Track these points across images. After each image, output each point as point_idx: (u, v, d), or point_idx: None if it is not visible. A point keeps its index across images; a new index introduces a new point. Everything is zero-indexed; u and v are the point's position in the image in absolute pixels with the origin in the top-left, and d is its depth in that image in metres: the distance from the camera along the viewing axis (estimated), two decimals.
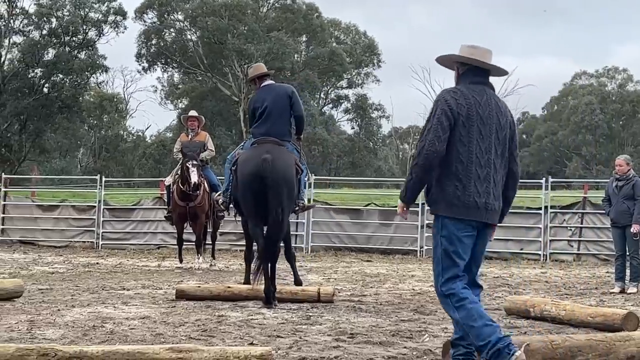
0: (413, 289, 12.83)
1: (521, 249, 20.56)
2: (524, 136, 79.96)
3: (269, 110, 11.05)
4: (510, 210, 17.27)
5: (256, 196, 10.44)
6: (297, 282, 11.98)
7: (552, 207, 20.83)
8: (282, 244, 11.20)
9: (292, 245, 12.35)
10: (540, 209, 20.84)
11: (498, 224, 6.14)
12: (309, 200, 21.55)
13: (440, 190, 5.87)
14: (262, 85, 11.47)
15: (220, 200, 12.09)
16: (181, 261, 16.86)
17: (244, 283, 11.76)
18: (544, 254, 20.27)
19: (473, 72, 6.07)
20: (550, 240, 20.50)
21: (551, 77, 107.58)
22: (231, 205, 11.56)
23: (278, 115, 11.08)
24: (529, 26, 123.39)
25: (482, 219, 5.87)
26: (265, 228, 10.66)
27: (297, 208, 11.32)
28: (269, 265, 10.42)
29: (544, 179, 21.35)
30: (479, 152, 5.82)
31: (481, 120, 5.84)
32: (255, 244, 11.21)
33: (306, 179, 11.80)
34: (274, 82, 11.68)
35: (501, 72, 6.29)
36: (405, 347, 7.51)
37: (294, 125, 11.59)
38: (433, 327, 8.78)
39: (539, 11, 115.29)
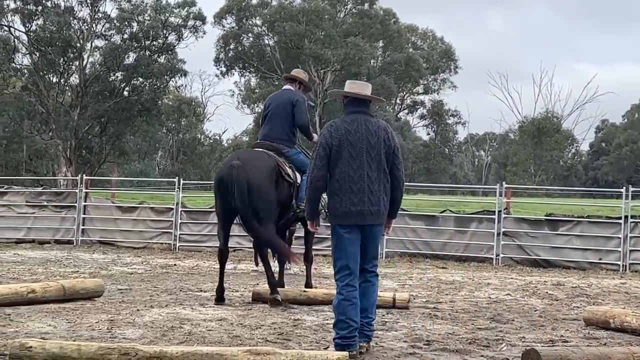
0: (489, 297, 12.70)
1: (600, 259, 20.17)
2: (603, 144, 78.61)
3: (271, 114, 11.61)
4: (588, 220, 17.48)
5: (223, 201, 10.80)
6: (281, 284, 12.12)
7: (632, 216, 20.41)
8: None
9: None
10: (619, 218, 20.43)
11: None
12: None
13: (328, 204, 7.56)
14: (282, 88, 12.10)
15: None
16: (257, 264, 16.98)
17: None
18: (623, 264, 19.86)
19: (352, 102, 7.68)
20: (630, 251, 20.07)
21: (632, 84, 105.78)
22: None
23: (279, 120, 11.53)
24: (608, 32, 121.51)
25: (359, 223, 7.40)
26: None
27: (298, 211, 11.44)
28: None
29: (623, 188, 20.91)
30: (351, 171, 7.40)
31: (351, 145, 7.42)
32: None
33: None
34: (291, 88, 12.02)
35: (378, 100, 8.42)
36: (482, 356, 7.45)
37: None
38: (510, 336, 8.69)
39: (618, 17, 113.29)
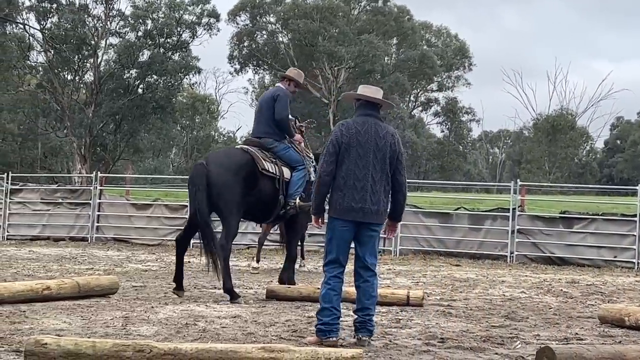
0: (503, 295, 12.68)
1: (615, 257, 20.11)
2: (618, 142, 78.24)
3: (257, 112, 11.92)
4: (603, 217, 17.65)
5: (190, 199, 11.18)
6: (281, 280, 12.32)
7: None
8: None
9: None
10: (634, 216, 20.36)
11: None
12: None
13: (331, 198, 7.85)
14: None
15: None
16: (258, 261, 16.76)
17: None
18: (638, 262, 19.78)
19: (364, 105, 8.00)
20: None
21: None
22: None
23: (264, 115, 11.73)
24: (624, 29, 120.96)
25: (358, 219, 7.70)
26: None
27: (289, 208, 11.50)
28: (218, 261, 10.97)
29: (638, 185, 20.82)
30: (357, 169, 7.71)
31: (360, 145, 7.74)
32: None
33: (308, 178, 11.68)
34: (281, 86, 12.14)
35: (389, 106, 8.69)
36: (496, 354, 7.44)
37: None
38: (525, 333, 8.68)
39: (633, 14, 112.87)
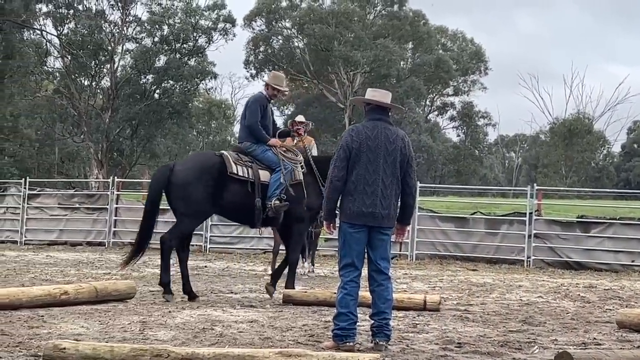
0: (521, 300, 12.64)
1: (632, 261, 20.02)
2: (635, 145, 77.84)
3: (240, 118, 12.23)
4: (620, 222, 17.70)
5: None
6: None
7: None
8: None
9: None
10: None
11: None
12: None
13: (342, 203, 7.86)
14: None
15: None
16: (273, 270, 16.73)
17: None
18: None
19: (374, 110, 8.01)
20: None
21: None
22: None
23: (241, 123, 12.02)
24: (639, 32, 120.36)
25: (368, 223, 7.74)
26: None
27: (267, 210, 11.49)
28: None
29: None
30: (367, 174, 7.74)
31: (370, 150, 7.75)
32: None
33: (282, 180, 11.55)
34: (260, 92, 12.22)
35: (398, 108, 9.04)
36: (514, 359, 7.42)
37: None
38: (542, 338, 8.64)
39: None
